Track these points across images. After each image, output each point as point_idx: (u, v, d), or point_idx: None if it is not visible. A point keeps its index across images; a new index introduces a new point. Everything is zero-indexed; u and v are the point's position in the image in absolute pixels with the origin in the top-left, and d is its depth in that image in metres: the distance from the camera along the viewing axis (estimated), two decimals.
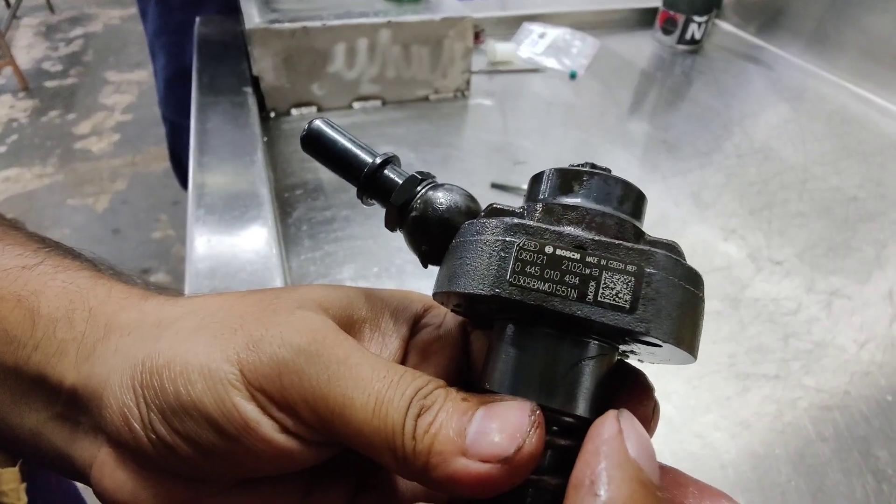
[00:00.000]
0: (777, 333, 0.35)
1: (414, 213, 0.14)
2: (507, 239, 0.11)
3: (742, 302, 0.37)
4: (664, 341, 0.11)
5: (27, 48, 2.73)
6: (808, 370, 0.33)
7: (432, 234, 0.14)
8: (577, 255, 0.11)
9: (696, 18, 0.72)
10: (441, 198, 0.14)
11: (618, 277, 0.11)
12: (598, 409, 0.12)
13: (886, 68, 0.63)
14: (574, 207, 0.12)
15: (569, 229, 0.11)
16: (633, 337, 0.11)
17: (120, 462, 0.13)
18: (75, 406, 0.13)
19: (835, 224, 0.45)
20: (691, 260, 0.12)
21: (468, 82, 0.59)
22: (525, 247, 0.11)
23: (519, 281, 0.11)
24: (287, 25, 0.49)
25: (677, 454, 0.28)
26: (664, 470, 0.12)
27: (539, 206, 0.13)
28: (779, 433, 0.29)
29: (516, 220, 0.12)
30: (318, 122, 0.15)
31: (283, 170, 0.47)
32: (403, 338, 0.15)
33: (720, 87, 0.66)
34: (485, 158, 0.51)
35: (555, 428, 0.12)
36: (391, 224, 0.14)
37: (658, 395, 0.30)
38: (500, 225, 0.12)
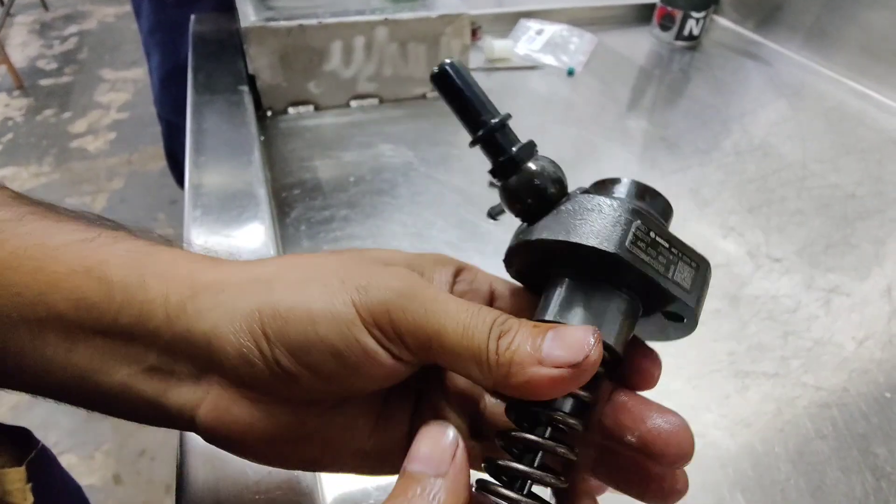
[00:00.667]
0: (776, 331, 0.35)
1: (526, 172, 0.17)
2: (629, 217, 0.15)
3: (742, 300, 0.37)
4: (695, 316, 0.16)
5: (21, 46, 2.71)
6: (807, 368, 0.33)
7: (538, 192, 0.17)
8: (667, 245, 0.15)
9: (694, 14, 0.72)
10: (550, 166, 0.17)
11: (685, 267, 0.16)
12: (623, 348, 0.16)
13: (885, 64, 0.63)
14: (650, 213, 0.16)
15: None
16: (682, 309, 0.16)
17: (236, 398, 0.15)
18: (171, 358, 0.15)
19: (833, 221, 0.45)
20: None
21: None
22: (640, 227, 0.15)
23: (632, 249, 0.15)
24: (283, 24, 0.48)
25: None
26: (630, 397, 0.16)
27: (629, 202, 0.16)
28: (778, 431, 0.29)
29: (636, 205, 0.16)
30: (454, 62, 0.17)
31: (280, 169, 0.47)
32: (450, 289, 0.18)
33: (719, 84, 0.66)
34: (484, 157, 0.50)
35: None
36: (503, 176, 0.17)
37: (660, 393, 0.31)
38: (623, 205, 0.15)
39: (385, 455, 0.17)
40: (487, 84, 0.62)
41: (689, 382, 0.31)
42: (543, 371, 0.13)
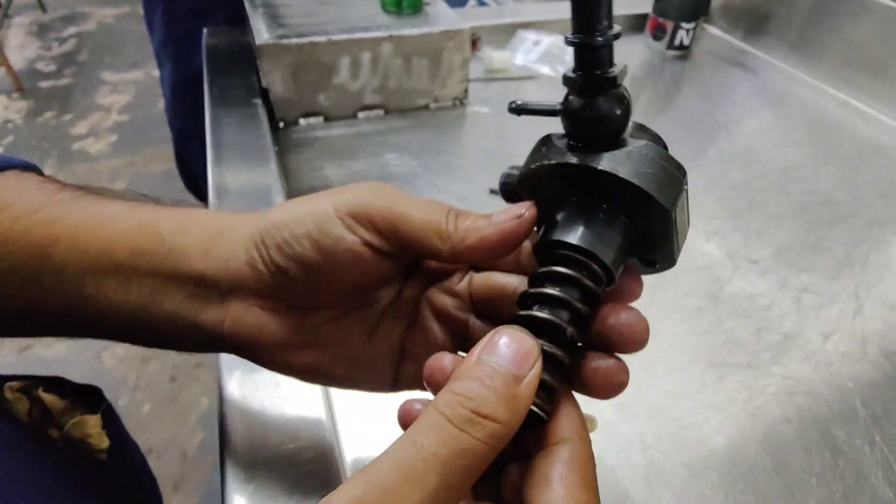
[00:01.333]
0: (751, 327, 0.38)
1: (615, 97, 0.17)
2: (683, 185, 0.17)
3: (720, 298, 0.40)
4: (670, 267, 0.18)
5: (19, 48, 2.71)
6: (777, 360, 0.36)
7: (616, 120, 0.17)
8: (686, 214, 0.18)
9: (685, 25, 0.75)
10: (631, 99, 0.18)
11: (684, 235, 0.18)
12: (617, 273, 0.18)
13: (866, 75, 0.66)
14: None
15: None
16: (667, 262, 0.18)
17: (250, 308, 0.19)
18: (205, 285, 0.19)
19: (809, 225, 0.48)
20: None
21: (466, 91, 0.61)
22: (685, 195, 0.17)
23: (675, 210, 0.16)
24: (295, 41, 0.51)
25: (659, 434, 0.31)
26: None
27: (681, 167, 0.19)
28: (749, 415, 0.33)
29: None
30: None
31: (294, 178, 0.50)
32: None
33: (707, 93, 0.70)
34: (483, 165, 0.53)
35: (590, 272, 0.17)
36: (586, 92, 0.17)
37: (643, 383, 0.35)
38: (681, 169, 0.17)
39: (375, 365, 0.20)
40: (487, 93, 0.65)
41: (669, 372, 0.35)
42: (492, 228, 0.17)
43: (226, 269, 0.19)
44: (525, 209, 0.17)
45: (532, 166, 0.18)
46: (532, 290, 0.17)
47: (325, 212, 0.18)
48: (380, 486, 0.12)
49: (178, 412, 1.24)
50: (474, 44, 0.71)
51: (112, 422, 0.27)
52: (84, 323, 0.20)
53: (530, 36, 0.74)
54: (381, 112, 0.59)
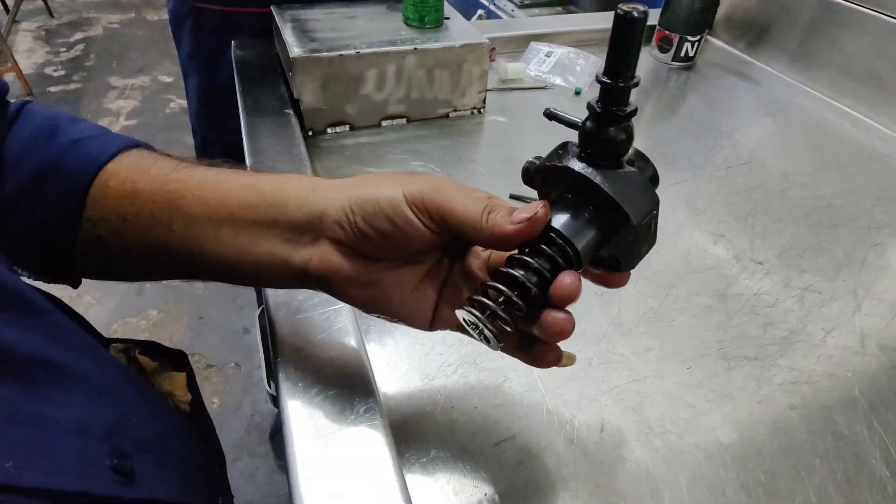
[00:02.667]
0: (757, 323, 0.41)
1: (624, 129, 0.21)
2: (653, 209, 0.22)
3: (728, 297, 0.43)
4: (630, 268, 0.24)
5: (28, 53, 2.75)
6: (782, 353, 0.39)
7: (619, 148, 0.21)
8: (653, 230, 0.22)
9: (690, 37, 0.78)
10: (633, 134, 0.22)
11: (648, 244, 0.23)
12: (584, 260, 0.22)
13: (862, 85, 0.70)
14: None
15: None
16: (628, 265, 0.23)
17: (333, 251, 0.24)
18: (299, 231, 0.25)
19: (810, 228, 0.51)
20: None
21: (484, 100, 0.65)
22: (654, 217, 0.22)
23: (640, 226, 0.21)
24: (325, 54, 0.55)
25: (675, 420, 0.34)
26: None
27: (654, 192, 0.23)
28: (756, 403, 0.36)
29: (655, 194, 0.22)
30: (645, 17, 0.21)
31: None
32: None
33: (712, 102, 0.73)
34: (503, 170, 0.57)
35: (563, 252, 0.22)
36: (604, 121, 0.21)
37: (657, 374, 0.39)
38: (655, 197, 0.22)
39: (418, 306, 0.26)
40: (503, 103, 0.68)
41: (683, 364, 0.38)
42: (511, 227, 0.22)
43: (319, 220, 0.24)
44: (538, 210, 0.22)
45: (547, 162, 0.23)
46: (517, 256, 0.22)
47: (399, 199, 0.23)
48: None
49: None
50: (489, 54, 0.74)
51: (193, 382, 0.30)
52: (200, 263, 0.25)
53: (543, 48, 0.77)
54: (403, 121, 0.62)
